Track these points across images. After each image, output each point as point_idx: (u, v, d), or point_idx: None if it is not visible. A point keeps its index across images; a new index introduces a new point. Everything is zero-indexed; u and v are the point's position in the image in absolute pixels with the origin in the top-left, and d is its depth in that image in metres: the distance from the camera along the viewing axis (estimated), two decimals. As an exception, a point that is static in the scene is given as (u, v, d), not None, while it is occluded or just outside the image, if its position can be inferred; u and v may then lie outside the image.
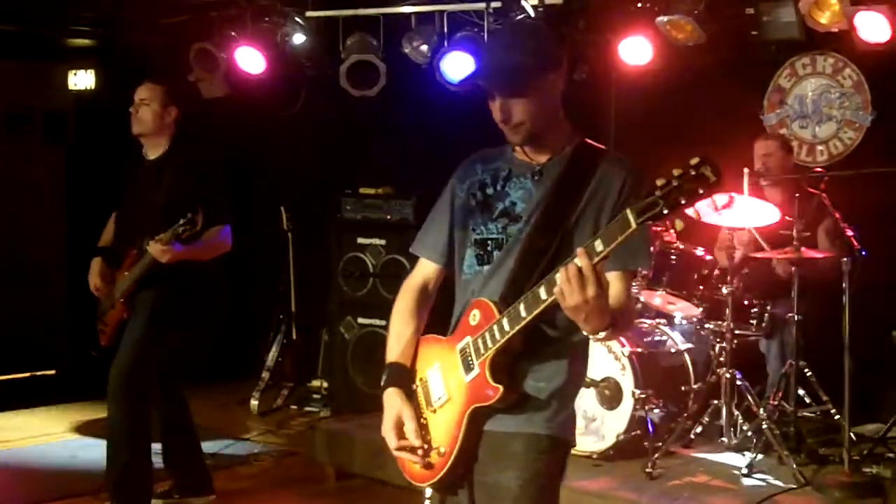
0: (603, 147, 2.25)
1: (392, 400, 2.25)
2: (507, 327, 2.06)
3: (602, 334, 1.98)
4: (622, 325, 2.07)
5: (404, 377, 2.28)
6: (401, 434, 2.21)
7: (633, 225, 1.82)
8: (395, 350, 2.31)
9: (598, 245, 1.89)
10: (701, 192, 1.75)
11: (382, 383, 2.29)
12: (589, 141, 2.25)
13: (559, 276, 1.91)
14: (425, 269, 2.38)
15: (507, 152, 2.29)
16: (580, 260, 1.87)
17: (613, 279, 2.11)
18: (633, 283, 4.43)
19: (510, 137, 2.20)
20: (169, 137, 4.06)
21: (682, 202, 1.75)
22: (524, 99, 2.13)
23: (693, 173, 1.75)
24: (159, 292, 3.94)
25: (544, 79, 2.16)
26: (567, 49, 4.59)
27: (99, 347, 4.13)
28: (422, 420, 2.24)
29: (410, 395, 2.26)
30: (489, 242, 2.22)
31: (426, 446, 2.19)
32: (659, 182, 1.78)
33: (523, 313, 2.03)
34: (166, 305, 3.95)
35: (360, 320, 5.65)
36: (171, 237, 3.75)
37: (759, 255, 4.56)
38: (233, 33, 5.82)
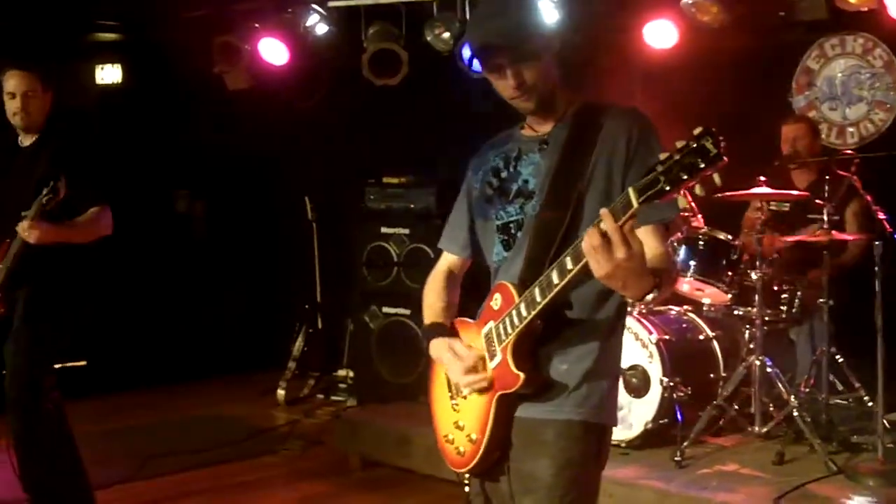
0: (607, 103, 2.16)
1: (439, 346, 2.18)
2: (524, 312, 2.01)
3: (649, 297, 1.87)
4: (668, 284, 1.95)
5: (445, 330, 2.23)
6: (468, 371, 2.10)
7: (636, 205, 1.74)
8: (429, 316, 2.29)
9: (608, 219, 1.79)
10: (702, 166, 1.64)
11: (425, 345, 2.24)
12: (591, 101, 2.17)
13: (584, 246, 1.81)
14: (448, 258, 2.39)
15: (515, 133, 2.24)
16: (605, 223, 1.78)
17: (645, 235, 1.98)
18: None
19: (523, 105, 2.12)
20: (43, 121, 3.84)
21: (684, 178, 1.66)
22: (537, 61, 2.06)
23: (694, 145, 1.65)
24: (36, 286, 3.69)
25: (548, 37, 2.11)
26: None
27: None
28: (454, 406, 2.21)
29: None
30: (511, 225, 2.18)
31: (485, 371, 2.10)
32: (662, 156, 1.70)
33: (538, 297, 1.97)
34: (43, 299, 3.70)
35: (385, 309, 5.65)
36: (36, 211, 3.51)
37: (788, 238, 4.48)
38: (256, 25, 5.85)
